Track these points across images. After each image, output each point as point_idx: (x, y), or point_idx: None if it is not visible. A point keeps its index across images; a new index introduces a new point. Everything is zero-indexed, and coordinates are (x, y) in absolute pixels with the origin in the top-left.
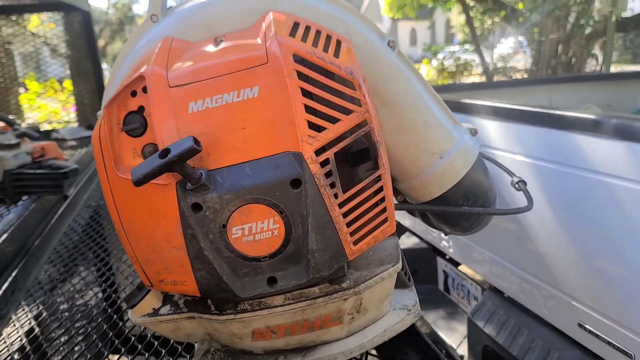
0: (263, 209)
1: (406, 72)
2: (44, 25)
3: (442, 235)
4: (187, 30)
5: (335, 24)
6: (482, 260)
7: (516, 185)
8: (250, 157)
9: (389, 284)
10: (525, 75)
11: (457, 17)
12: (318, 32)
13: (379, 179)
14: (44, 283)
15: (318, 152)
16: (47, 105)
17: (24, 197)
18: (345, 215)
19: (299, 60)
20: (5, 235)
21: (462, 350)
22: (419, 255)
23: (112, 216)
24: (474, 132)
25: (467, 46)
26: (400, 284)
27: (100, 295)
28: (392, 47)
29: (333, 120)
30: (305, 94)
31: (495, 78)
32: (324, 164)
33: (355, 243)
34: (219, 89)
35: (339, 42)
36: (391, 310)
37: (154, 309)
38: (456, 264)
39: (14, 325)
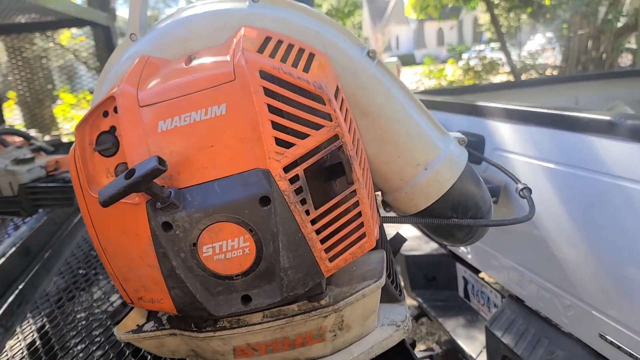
0: (232, 227)
1: (386, 82)
2: (75, 39)
3: None
4: (163, 48)
5: (310, 37)
6: (500, 267)
7: (520, 193)
8: (220, 175)
9: (372, 301)
10: (555, 73)
11: (484, 15)
12: (290, 46)
13: (354, 194)
14: (51, 295)
15: (287, 169)
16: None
17: (40, 210)
18: (318, 231)
19: (266, 76)
20: (14, 248)
21: (483, 359)
22: (438, 261)
23: (90, 234)
24: (462, 142)
25: (493, 44)
26: (390, 299)
27: (108, 307)
28: (372, 58)
29: (302, 136)
30: (273, 110)
31: (523, 76)
32: (293, 180)
33: (331, 260)
34: (187, 108)
35: (311, 56)
36: (379, 326)
37: (137, 325)
38: (476, 270)
39: (18, 337)
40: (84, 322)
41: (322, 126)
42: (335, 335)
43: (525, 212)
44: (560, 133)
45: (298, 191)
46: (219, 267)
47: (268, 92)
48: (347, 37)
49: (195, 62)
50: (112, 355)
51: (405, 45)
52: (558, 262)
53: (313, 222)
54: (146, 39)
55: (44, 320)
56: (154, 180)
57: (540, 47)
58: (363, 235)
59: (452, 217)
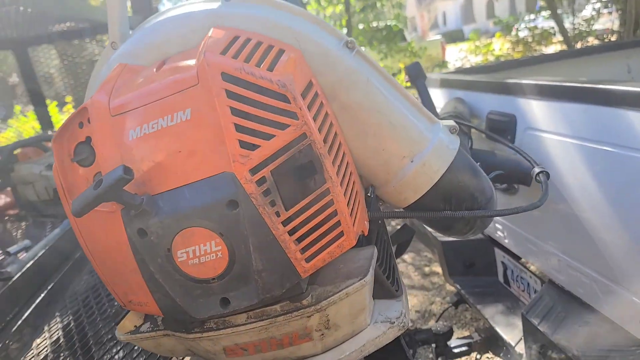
0: (203, 232)
1: (365, 73)
2: None
3: (497, 225)
4: (139, 55)
5: (283, 33)
6: (538, 252)
7: (537, 178)
8: (189, 180)
9: (358, 299)
10: (613, 39)
11: None
12: (257, 45)
13: (327, 192)
14: (79, 293)
15: (254, 171)
16: None
17: None
18: (292, 232)
19: (228, 78)
20: (46, 249)
21: (522, 348)
22: (476, 246)
23: (80, 241)
24: (453, 130)
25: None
26: (386, 294)
27: None
28: (350, 48)
29: (267, 136)
30: (236, 112)
31: (578, 45)
32: (260, 182)
33: (308, 260)
34: (154, 114)
35: (280, 52)
36: (372, 323)
37: (135, 326)
38: (515, 256)
39: (44, 336)
40: (107, 320)
41: (288, 125)
42: (323, 335)
43: (558, 198)
44: (594, 108)
45: (266, 193)
46: (195, 271)
47: (230, 95)
48: (323, 29)
49: (165, 68)
50: (135, 355)
51: (453, 21)
52: (596, 246)
53: (285, 223)
54: (124, 46)
55: (70, 319)
56: (125, 189)
57: (596, 12)
58: (341, 234)
59: (445, 209)
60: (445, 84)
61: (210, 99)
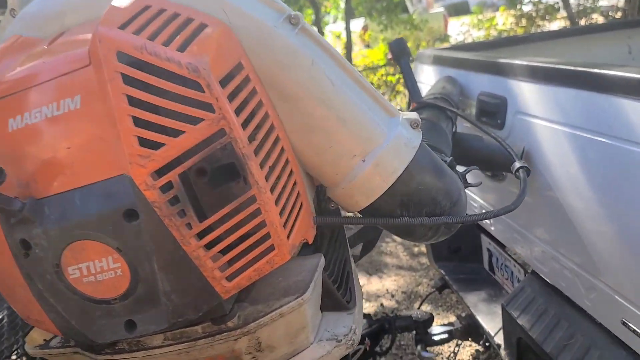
0: (97, 246)
1: (310, 54)
2: None
3: (483, 210)
4: (37, 25)
5: (209, 3)
6: (523, 241)
7: (516, 173)
8: (81, 182)
9: (296, 318)
10: (618, 16)
11: None
12: (173, 17)
13: (252, 199)
14: None
15: (157, 175)
16: None
17: None
18: (209, 246)
19: (126, 58)
20: None
21: (501, 338)
22: (463, 231)
23: None
24: (414, 124)
25: None
26: (337, 306)
27: None
28: (293, 24)
29: (175, 133)
30: (135, 102)
31: (582, 22)
32: (166, 188)
33: (229, 279)
34: (37, 101)
35: (200, 27)
36: (315, 341)
37: (45, 340)
38: (500, 243)
39: None
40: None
41: (201, 119)
42: (254, 357)
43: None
44: (587, 94)
45: (173, 201)
46: (92, 291)
47: (128, 80)
48: (260, 0)
49: (58, 42)
50: None
51: None
52: (581, 239)
53: (200, 236)
54: (22, 14)
55: None
56: (3, 191)
57: None
58: (271, 248)
59: (403, 214)
60: (437, 61)
61: (102, 85)
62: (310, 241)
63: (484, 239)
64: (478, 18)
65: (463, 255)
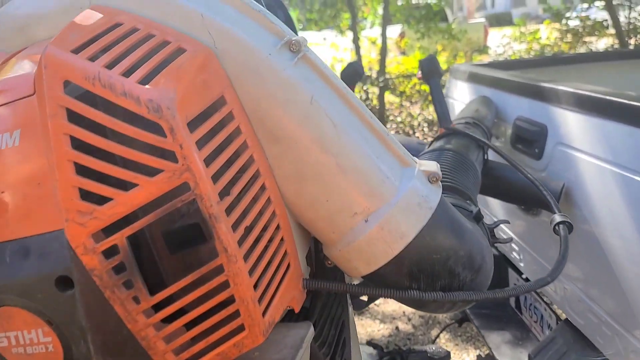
0: (25, 315)
1: (309, 89)
2: None
3: (513, 245)
4: (2, 37)
5: (193, 23)
6: (557, 286)
7: (555, 228)
8: (13, 235)
9: None
10: None
11: None
12: (146, 39)
13: (220, 270)
14: None
15: (99, 236)
16: None
17: None
18: (159, 327)
19: (74, 90)
20: None
21: None
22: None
23: None
24: (433, 178)
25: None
26: None
27: None
28: (293, 51)
29: (125, 185)
30: (79, 145)
31: (632, 41)
32: (109, 254)
33: None
34: None
35: (176, 53)
36: None
37: None
38: (529, 281)
39: None
40: None
41: (160, 170)
42: None
43: (586, 231)
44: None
45: (119, 269)
46: None
47: (73, 117)
48: (256, 21)
49: (11, 61)
50: None
51: (502, 3)
52: (625, 295)
53: (149, 313)
54: None
55: None
56: None
57: None
58: (240, 329)
59: (412, 286)
60: (472, 78)
61: (44, 120)
62: (297, 309)
63: (512, 274)
64: (520, 30)
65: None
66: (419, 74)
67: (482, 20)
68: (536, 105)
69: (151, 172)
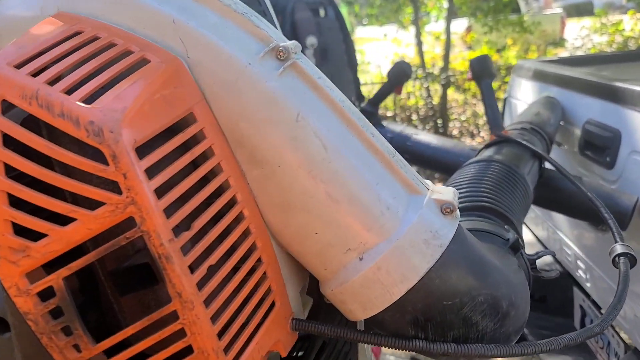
0: None
1: (295, 105)
2: None
3: (579, 262)
4: None
5: (163, 30)
6: (627, 312)
7: (615, 260)
8: None
9: None
10: None
11: None
12: (106, 48)
13: (174, 316)
14: None
15: (34, 276)
16: None
17: None
18: None
19: (14, 111)
20: None
21: None
22: (551, 279)
23: None
24: (446, 209)
25: None
26: None
27: None
28: (280, 59)
29: (62, 220)
30: (13, 173)
31: None
32: (46, 296)
33: None
34: None
35: (137, 65)
36: None
37: None
38: (597, 304)
39: None
40: None
41: (102, 203)
42: None
43: None
44: None
45: (56, 314)
46: None
47: (8, 140)
48: (237, 25)
49: None
50: None
51: None
52: None
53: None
54: None
55: None
56: None
57: None
58: None
59: (417, 336)
60: (538, 76)
61: None
62: (284, 354)
63: (577, 294)
64: (602, 22)
65: (549, 307)
66: (469, 74)
67: (559, 10)
68: (609, 108)
69: (92, 205)
